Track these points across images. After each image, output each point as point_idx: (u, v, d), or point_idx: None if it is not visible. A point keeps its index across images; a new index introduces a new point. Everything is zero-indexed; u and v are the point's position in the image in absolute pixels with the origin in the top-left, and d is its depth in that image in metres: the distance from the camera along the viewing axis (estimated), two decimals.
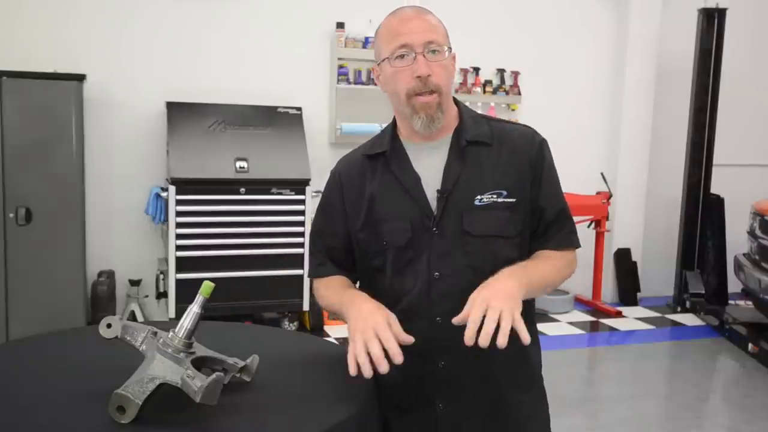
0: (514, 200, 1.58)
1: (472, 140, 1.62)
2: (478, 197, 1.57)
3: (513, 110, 6.08)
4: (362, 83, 5.65)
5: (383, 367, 1.37)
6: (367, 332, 1.40)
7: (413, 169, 1.62)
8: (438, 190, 1.58)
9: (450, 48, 1.59)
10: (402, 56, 1.55)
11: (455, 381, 1.59)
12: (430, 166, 1.61)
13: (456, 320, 1.38)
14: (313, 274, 1.75)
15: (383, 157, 1.65)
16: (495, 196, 1.58)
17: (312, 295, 5.75)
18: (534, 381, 1.69)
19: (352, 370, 1.38)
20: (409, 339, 1.42)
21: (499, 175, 1.59)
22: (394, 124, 1.70)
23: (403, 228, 1.59)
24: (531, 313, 1.71)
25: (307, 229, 5.03)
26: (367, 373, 1.36)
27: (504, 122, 1.72)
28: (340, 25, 5.54)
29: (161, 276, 4.99)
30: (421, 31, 1.55)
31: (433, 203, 1.58)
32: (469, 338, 1.32)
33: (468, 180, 1.59)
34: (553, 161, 1.68)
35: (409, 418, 1.62)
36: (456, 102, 1.70)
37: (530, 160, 1.62)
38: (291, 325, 5.19)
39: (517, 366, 1.63)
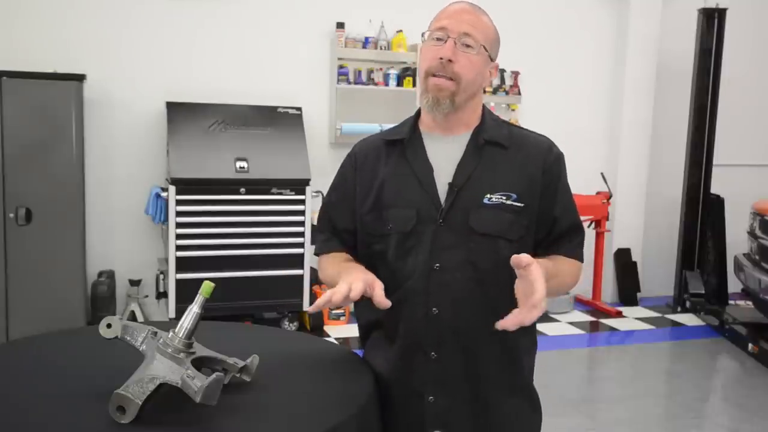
0: (522, 205, 1.60)
1: (490, 140, 1.64)
2: (488, 196, 1.59)
3: (513, 110, 6.08)
4: (362, 83, 5.65)
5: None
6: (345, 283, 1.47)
7: (428, 159, 1.64)
8: (449, 183, 1.60)
9: (486, 49, 1.61)
10: (438, 38, 1.59)
11: (445, 374, 1.60)
12: (444, 158, 1.63)
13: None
14: (319, 250, 1.77)
15: (401, 143, 1.68)
16: (504, 197, 1.59)
17: (312, 296, 5.71)
18: (522, 387, 1.68)
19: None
20: (386, 303, 1.47)
21: (511, 179, 1.61)
22: (418, 114, 1.73)
23: (408, 215, 1.61)
24: (532, 324, 1.72)
25: (308, 229, 5.04)
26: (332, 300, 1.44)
27: (524, 130, 1.73)
28: (340, 25, 5.54)
29: (161, 276, 4.99)
30: (464, 21, 1.59)
31: (443, 196, 1.60)
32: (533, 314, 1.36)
33: (480, 178, 1.60)
34: (566, 176, 1.70)
35: (396, 408, 1.63)
36: (483, 105, 1.73)
37: (544, 170, 1.63)
38: (291, 325, 5.19)
39: (505, 369, 1.64)
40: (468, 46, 1.58)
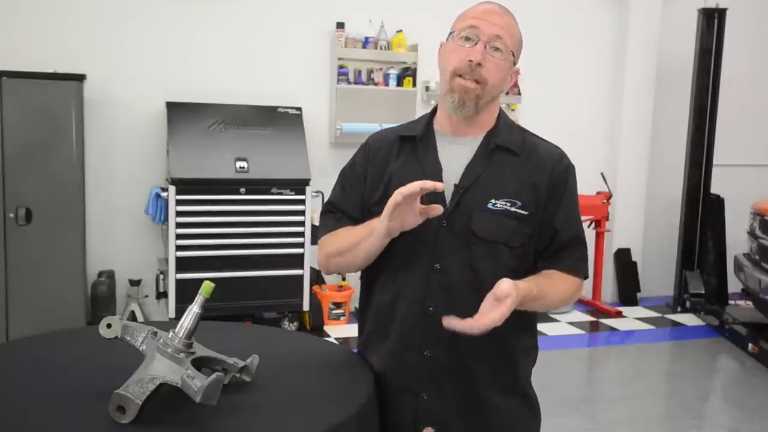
0: (527, 213, 1.59)
1: (501, 145, 1.63)
2: (492, 201, 1.58)
3: (513, 110, 6.08)
4: (362, 83, 5.65)
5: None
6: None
7: (438, 158, 1.64)
8: (455, 185, 1.59)
9: (513, 55, 1.61)
10: (467, 38, 1.58)
11: (440, 372, 1.60)
12: (454, 160, 1.63)
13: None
14: (331, 228, 1.70)
15: (413, 140, 1.67)
16: (509, 204, 1.58)
17: (312, 295, 5.67)
18: (517, 389, 1.68)
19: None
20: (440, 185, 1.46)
21: (518, 186, 1.60)
22: (433, 111, 1.72)
23: None
24: (532, 327, 1.72)
25: (308, 229, 5.04)
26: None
27: (537, 138, 1.72)
28: (340, 25, 5.53)
29: (161, 276, 4.99)
30: (495, 24, 1.59)
31: (449, 197, 1.59)
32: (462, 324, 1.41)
33: (487, 182, 1.59)
34: (576, 189, 1.68)
35: (390, 405, 1.63)
36: (500, 109, 1.71)
37: (551, 180, 1.62)
38: (291, 325, 5.19)
39: (500, 369, 1.63)
40: (497, 49, 1.58)
